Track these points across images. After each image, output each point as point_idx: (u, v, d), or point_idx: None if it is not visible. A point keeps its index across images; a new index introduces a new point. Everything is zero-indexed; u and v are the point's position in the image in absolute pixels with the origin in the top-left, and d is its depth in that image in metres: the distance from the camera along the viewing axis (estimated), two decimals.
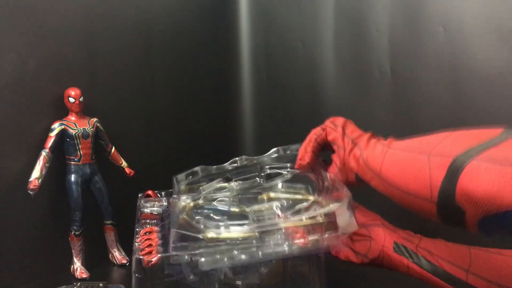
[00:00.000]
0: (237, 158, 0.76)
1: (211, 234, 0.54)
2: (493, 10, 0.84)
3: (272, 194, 0.70)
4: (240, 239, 0.55)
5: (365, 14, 1.00)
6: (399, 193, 0.53)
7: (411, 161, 0.51)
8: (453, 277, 0.57)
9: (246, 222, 0.57)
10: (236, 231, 0.55)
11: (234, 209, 0.63)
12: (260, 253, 0.55)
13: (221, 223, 0.56)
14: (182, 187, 0.71)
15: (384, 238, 0.64)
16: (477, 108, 0.87)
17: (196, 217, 0.57)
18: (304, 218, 0.58)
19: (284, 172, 0.72)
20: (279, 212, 0.60)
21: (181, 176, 0.74)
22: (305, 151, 0.70)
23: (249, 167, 0.74)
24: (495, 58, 0.84)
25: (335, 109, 1.09)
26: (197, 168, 0.75)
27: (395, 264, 0.63)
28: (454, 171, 0.44)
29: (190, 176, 0.73)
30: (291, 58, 1.15)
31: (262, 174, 0.72)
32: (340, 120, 0.69)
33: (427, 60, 0.92)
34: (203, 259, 0.53)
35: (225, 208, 0.63)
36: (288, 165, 0.72)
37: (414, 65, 0.94)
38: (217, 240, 0.54)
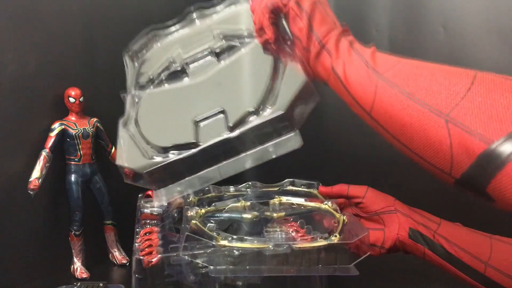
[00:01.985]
0: (250, 183, 0.77)
1: (223, 241, 0.54)
2: (493, 10, 0.84)
3: (284, 199, 0.70)
4: (252, 249, 0.54)
5: (365, 14, 1.00)
6: (403, 148, 0.42)
7: (422, 118, 0.39)
8: (471, 268, 0.55)
9: (259, 238, 0.57)
10: (248, 242, 0.55)
11: (246, 215, 0.63)
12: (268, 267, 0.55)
13: (234, 236, 0.56)
14: (192, 198, 0.71)
15: (398, 226, 0.61)
16: None
17: (209, 224, 0.57)
18: (318, 238, 0.57)
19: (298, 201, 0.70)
20: (293, 233, 0.60)
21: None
22: (261, 24, 0.52)
23: (262, 193, 0.74)
24: (495, 58, 0.84)
25: (335, 109, 1.08)
26: (209, 186, 0.75)
27: (410, 250, 0.62)
28: (489, 162, 0.35)
29: (201, 193, 0.73)
30: None
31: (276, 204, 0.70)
32: (307, 2, 0.49)
33: (427, 60, 0.92)
34: (211, 267, 0.53)
35: (237, 215, 0.63)
36: (303, 199, 0.70)
37: None
38: (228, 247, 0.54)
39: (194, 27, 0.73)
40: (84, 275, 0.80)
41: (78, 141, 0.81)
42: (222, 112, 0.57)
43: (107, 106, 0.90)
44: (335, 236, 0.56)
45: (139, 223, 0.70)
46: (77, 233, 0.81)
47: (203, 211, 0.62)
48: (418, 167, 0.43)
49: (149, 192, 0.81)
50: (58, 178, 0.81)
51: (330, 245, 0.55)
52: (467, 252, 0.56)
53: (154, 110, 0.65)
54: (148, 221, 0.71)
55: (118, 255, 0.87)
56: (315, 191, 0.73)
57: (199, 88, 0.63)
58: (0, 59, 0.74)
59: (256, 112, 0.55)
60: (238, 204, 0.67)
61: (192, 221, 0.58)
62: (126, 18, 0.93)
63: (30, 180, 0.75)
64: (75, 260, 0.81)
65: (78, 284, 0.74)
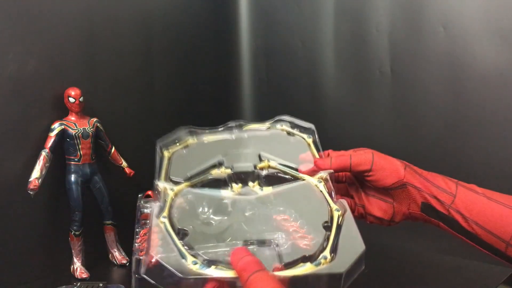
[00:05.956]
0: (232, 125, 0.68)
1: (193, 266, 0.46)
2: (493, 10, 0.84)
3: (273, 163, 0.61)
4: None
5: (365, 14, 1.00)
6: None
7: None
8: (490, 246, 0.51)
9: None
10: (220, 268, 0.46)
11: (227, 193, 0.55)
12: None
13: (205, 258, 0.47)
14: (165, 152, 0.62)
15: (409, 201, 0.55)
16: (477, 108, 0.87)
17: (181, 240, 0.49)
18: (304, 258, 0.48)
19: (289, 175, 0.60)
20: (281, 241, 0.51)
21: (164, 141, 0.64)
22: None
23: (244, 154, 0.62)
24: (495, 58, 0.84)
25: (335, 109, 1.09)
26: (182, 132, 0.65)
27: (423, 221, 0.56)
28: None
29: (176, 141, 0.63)
30: (291, 58, 1.15)
31: (263, 174, 0.60)
32: None
33: (427, 60, 0.92)
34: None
35: (216, 193, 0.55)
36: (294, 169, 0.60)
37: (414, 65, 0.95)
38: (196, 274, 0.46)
39: (237, 139, 0.66)
40: (84, 275, 0.80)
41: (78, 141, 0.80)
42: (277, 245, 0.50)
43: (107, 106, 0.90)
44: (325, 258, 0.48)
45: (139, 223, 0.70)
46: (77, 233, 0.81)
47: (175, 189, 0.55)
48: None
49: (149, 192, 0.81)
50: (58, 178, 0.81)
51: (318, 273, 0.46)
52: (487, 230, 0.51)
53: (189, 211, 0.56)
54: (148, 221, 0.70)
55: (118, 255, 0.87)
56: (309, 139, 0.65)
57: (244, 206, 0.55)
58: (0, 59, 0.74)
59: (311, 258, 0.48)
60: (219, 171, 0.58)
61: (161, 219, 0.52)
62: (126, 18, 0.93)
63: (30, 180, 0.75)
64: (75, 260, 0.81)
65: (78, 284, 0.74)
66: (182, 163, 0.61)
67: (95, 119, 0.84)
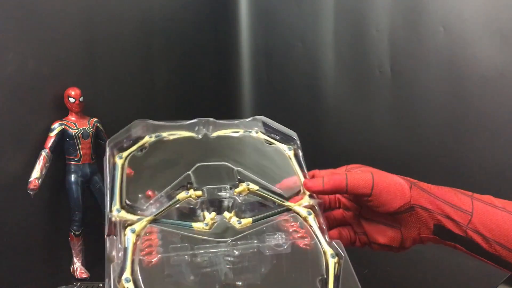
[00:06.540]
0: (202, 128, 0.56)
1: None
2: (493, 10, 0.84)
3: (253, 187, 0.52)
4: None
5: (365, 14, 1.00)
6: None
7: None
8: None
9: None
10: None
11: (198, 225, 0.48)
12: None
13: None
14: (117, 160, 0.50)
15: (419, 225, 0.49)
16: (477, 108, 0.87)
17: None
18: None
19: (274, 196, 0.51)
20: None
21: (116, 141, 0.52)
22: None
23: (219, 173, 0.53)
24: (495, 58, 0.84)
25: (335, 109, 1.09)
26: (138, 128, 0.54)
27: (437, 243, 0.51)
28: None
29: (131, 142, 0.53)
30: (291, 58, 1.15)
31: (240, 201, 0.51)
32: None
33: (427, 60, 0.92)
34: None
35: (186, 224, 0.48)
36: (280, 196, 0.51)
37: (414, 65, 0.95)
38: None
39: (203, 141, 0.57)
40: (84, 275, 0.80)
41: (78, 141, 0.81)
42: None
43: (107, 106, 0.90)
44: None
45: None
46: (77, 233, 0.81)
47: (136, 230, 0.46)
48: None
49: (149, 193, 0.81)
50: (58, 178, 0.81)
51: None
52: (510, 249, 0.45)
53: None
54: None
55: None
56: (290, 152, 0.56)
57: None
58: (0, 59, 0.74)
59: None
60: (188, 195, 0.49)
61: (123, 283, 0.41)
62: (126, 18, 0.93)
63: (29, 180, 0.75)
64: (75, 260, 0.81)
65: (78, 284, 0.74)
66: (139, 175, 0.51)
67: (95, 119, 0.84)
